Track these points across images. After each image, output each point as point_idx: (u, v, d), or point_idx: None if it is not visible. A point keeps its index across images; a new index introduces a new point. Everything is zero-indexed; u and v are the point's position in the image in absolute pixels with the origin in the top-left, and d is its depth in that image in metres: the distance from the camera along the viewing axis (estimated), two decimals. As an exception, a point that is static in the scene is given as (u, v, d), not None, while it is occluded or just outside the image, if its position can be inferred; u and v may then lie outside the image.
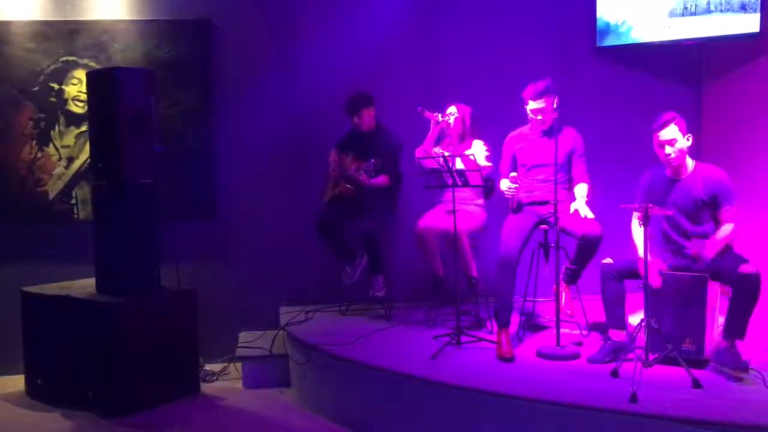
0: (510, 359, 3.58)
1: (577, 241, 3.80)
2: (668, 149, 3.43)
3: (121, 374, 3.94)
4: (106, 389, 3.95)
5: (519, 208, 3.92)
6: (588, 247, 3.77)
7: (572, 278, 3.98)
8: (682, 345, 3.37)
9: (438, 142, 4.31)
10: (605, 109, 4.99)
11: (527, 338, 3.99)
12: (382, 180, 4.41)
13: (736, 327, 3.28)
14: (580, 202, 3.77)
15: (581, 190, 3.90)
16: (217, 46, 4.88)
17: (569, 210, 3.78)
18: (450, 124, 4.27)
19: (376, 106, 4.58)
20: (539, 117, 3.89)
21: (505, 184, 3.97)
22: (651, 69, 5.07)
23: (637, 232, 3.52)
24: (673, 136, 3.41)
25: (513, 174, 3.91)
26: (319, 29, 4.92)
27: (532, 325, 4.21)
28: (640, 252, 3.37)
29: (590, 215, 3.71)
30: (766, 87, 4.50)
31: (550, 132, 3.81)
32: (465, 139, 4.34)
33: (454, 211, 3.98)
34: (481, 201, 4.38)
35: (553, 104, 3.79)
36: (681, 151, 3.43)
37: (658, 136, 3.44)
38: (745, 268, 3.24)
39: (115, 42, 4.79)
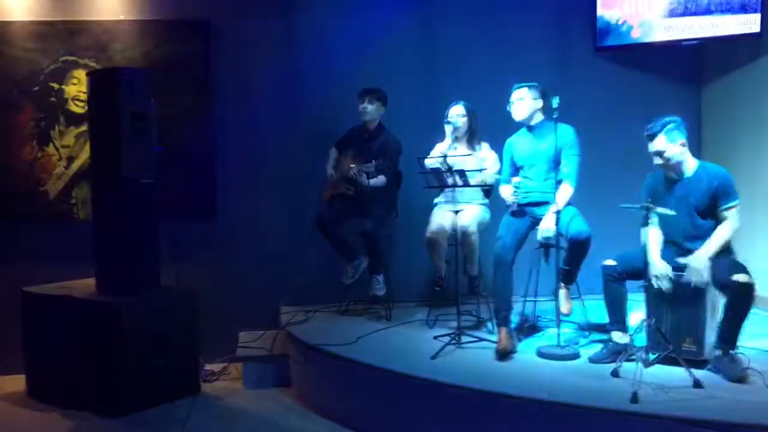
0: (509, 352, 3.59)
1: (567, 242, 3.81)
2: (657, 160, 3.44)
3: (122, 374, 3.93)
4: (106, 389, 3.95)
5: (519, 211, 3.93)
6: (577, 249, 3.77)
7: (568, 278, 3.97)
8: (682, 345, 3.37)
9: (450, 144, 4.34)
10: (605, 109, 4.99)
11: (527, 338, 3.99)
12: (381, 181, 4.41)
13: (727, 336, 3.27)
14: (547, 217, 3.78)
15: (558, 197, 3.84)
16: (216, 46, 4.87)
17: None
18: (459, 126, 4.29)
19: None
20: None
21: (507, 191, 4.00)
22: (651, 69, 5.07)
23: (648, 236, 3.47)
24: (661, 148, 3.39)
25: (515, 179, 3.93)
26: (319, 30, 4.93)
27: (532, 325, 4.21)
28: (651, 255, 3.36)
29: (548, 234, 3.74)
30: (766, 87, 4.50)
31: (539, 130, 3.82)
32: (473, 138, 4.35)
33: (455, 211, 3.99)
34: (486, 200, 4.39)
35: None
36: (673, 158, 3.41)
37: (648, 146, 3.44)
38: (738, 277, 3.20)
39: (115, 42, 4.79)
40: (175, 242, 4.49)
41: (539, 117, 3.98)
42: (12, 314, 4.31)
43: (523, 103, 3.96)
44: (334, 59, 4.92)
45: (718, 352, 3.28)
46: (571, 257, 3.86)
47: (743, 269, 3.27)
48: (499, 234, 3.89)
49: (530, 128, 4.01)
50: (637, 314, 3.55)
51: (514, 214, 3.94)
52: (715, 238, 3.34)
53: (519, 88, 4.00)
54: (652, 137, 3.41)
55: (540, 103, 3.96)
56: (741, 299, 3.22)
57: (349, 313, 4.66)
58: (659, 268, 3.37)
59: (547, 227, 3.75)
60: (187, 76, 4.84)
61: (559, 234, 3.78)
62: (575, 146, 3.93)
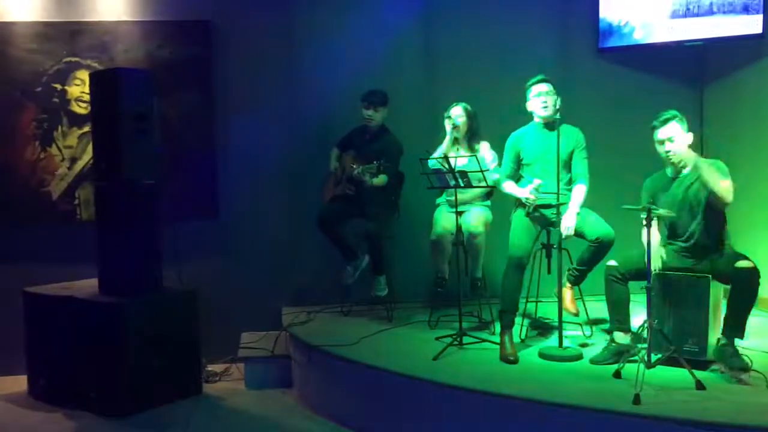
0: (514, 361, 3.58)
1: (590, 244, 3.80)
2: (668, 145, 3.43)
3: (123, 375, 3.94)
4: (108, 389, 3.96)
5: (536, 212, 3.92)
6: (600, 251, 3.77)
7: (578, 279, 3.97)
8: (684, 346, 3.37)
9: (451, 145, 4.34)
10: (608, 110, 4.99)
11: (530, 339, 3.98)
12: (383, 180, 4.41)
13: (734, 325, 3.29)
14: (569, 216, 3.76)
15: (576, 196, 3.87)
16: (218, 46, 4.88)
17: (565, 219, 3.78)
18: (459, 126, 4.28)
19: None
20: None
21: (511, 187, 4.00)
22: (653, 70, 5.07)
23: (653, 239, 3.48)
24: (673, 133, 3.40)
25: (537, 180, 3.86)
26: (320, 30, 4.93)
27: (535, 326, 4.21)
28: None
29: (571, 233, 3.73)
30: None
31: (552, 128, 3.80)
32: (473, 139, 4.35)
33: (456, 211, 3.99)
34: (488, 201, 4.39)
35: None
36: (680, 148, 3.42)
37: (658, 133, 3.44)
38: (741, 263, 3.26)
39: (117, 43, 4.79)
40: (177, 243, 4.49)
41: (555, 114, 3.90)
42: (14, 314, 4.32)
43: (551, 97, 3.84)
44: (335, 59, 4.92)
45: (723, 341, 3.29)
46: (591, 258, 3.84)
47: (744, 257, 3.31)
48: (513, 235, 3.85)
49: (547, 125, 3.92)
50: (639, 315, 3.55)
51: (528, 215, 3.91)
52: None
53: (541, 81, 3.89)
54: (664, 122, 3.41)
55: (558, 98, 3.83)
56: (746, 285, 3.25)
57: (351, 314, 4.66)
58: (654, 251, 3.35)
59: (568, 226, 3.72)
60: (189, 77, 4.85)
61: (577, 235, 3.78)
62: (586, 149, 3.94)
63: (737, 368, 3.16)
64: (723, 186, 3.31)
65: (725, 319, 3.33)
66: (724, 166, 3.41)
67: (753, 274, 3.25)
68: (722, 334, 3.33)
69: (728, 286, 3.37)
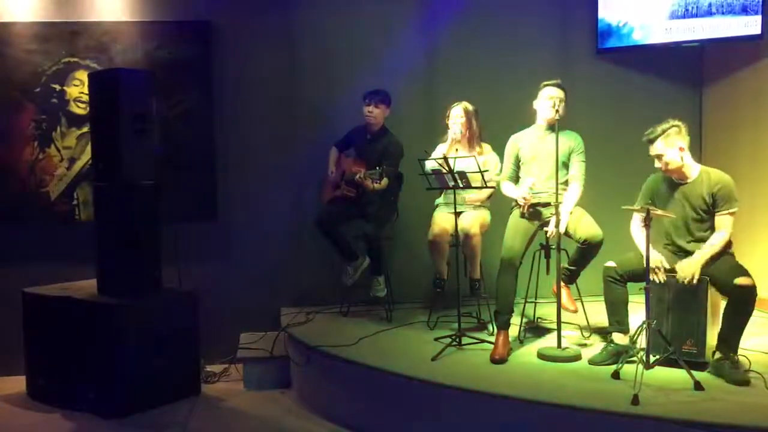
0: (500, 361, 3.59)
1: (578, 245, 3.81)
2: (657, 163, 3.47)
3: (122, 375, 3.94)
4: (107, 390, 3.96)
5: (530, 213, 3.92)
6: (588, 252, 3.79)
7: (571, 278, 3.98)
8: (683, 347, 3.37)
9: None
10: (606, 111, 4.99)
11: (528, 340, 3.99)
12: (384, 184, 4.40)
13: (728, 340, 3.27)
14: (561, 219, 3.75)
15: (568, 198, 3.87)
16: (217, 47, 4.88)
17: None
18: (460, 128, 4.28)
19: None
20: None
21: (512, 189, 4.00)
22: (652, 71, 5.07)
23: (637, 233, 3.54)
24: (659, 152, 3.41)
25: (531, 182, 3.88)
26: (319, 30, 4.93)
27: (533, 326, 4.21)
28: (647, 251, 3.35)
29: (561, 230, 3.72)
30: (767, 89, 4.50)
31: (552, 130, 3.81)
32: (474, 140, 4.34)
33: (455, 213, 3.99)
34: (487, 203, 4.39)
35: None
36: (672, 163, 3.43)
37: (649, 149, 3.46)
38: (740, 280, 3.22)
39: (116, 43, 4.79)
40: (176, 243, 4.48)
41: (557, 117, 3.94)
42: (13, 315, 4.31)
43: (561, 103, 3.84)
44: (334, 59, 4.92)
45: (719, 355, 3.28)
46: (580, 259, 3.86)
47: (744, 272, 3.27)
48: (507, 236, 3.88)
49: (547, 127, 3.95)
50: (637, 316, 3.56)
51: (522, 215, 3.92)
52: (708, 246, 3.36)
53: (558, 87, 3.91)
54: (651, 141, 3.43)
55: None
56: (742, 302, 3.22)
57: (350, 315, 4.66)
58: (654, 260, 3.37)
59: (554, 228, 3.73)
60: (187, 77, 4.84)
61: (567, 235, 3.79)
62: (583, 152, 3.96)
63: (736, 382, 3.15)
64: (721, 242, 3.35)
65: (720, 333, 3.32)
66: (728, 185, 3.38)
67: (750, 292, 3.21)
68: (717, 348, 3.32)
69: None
